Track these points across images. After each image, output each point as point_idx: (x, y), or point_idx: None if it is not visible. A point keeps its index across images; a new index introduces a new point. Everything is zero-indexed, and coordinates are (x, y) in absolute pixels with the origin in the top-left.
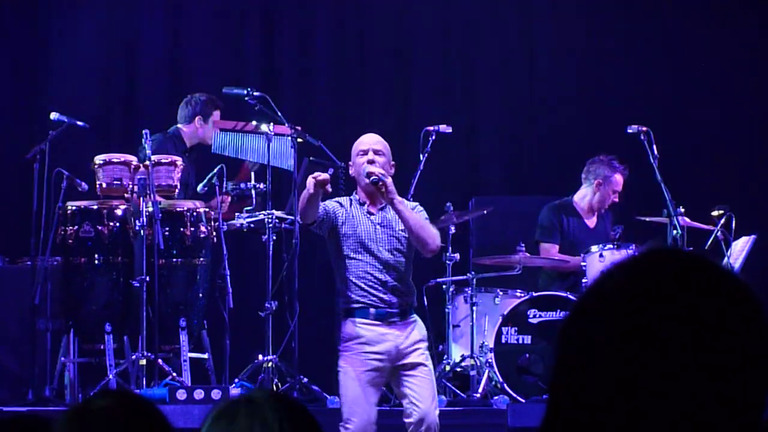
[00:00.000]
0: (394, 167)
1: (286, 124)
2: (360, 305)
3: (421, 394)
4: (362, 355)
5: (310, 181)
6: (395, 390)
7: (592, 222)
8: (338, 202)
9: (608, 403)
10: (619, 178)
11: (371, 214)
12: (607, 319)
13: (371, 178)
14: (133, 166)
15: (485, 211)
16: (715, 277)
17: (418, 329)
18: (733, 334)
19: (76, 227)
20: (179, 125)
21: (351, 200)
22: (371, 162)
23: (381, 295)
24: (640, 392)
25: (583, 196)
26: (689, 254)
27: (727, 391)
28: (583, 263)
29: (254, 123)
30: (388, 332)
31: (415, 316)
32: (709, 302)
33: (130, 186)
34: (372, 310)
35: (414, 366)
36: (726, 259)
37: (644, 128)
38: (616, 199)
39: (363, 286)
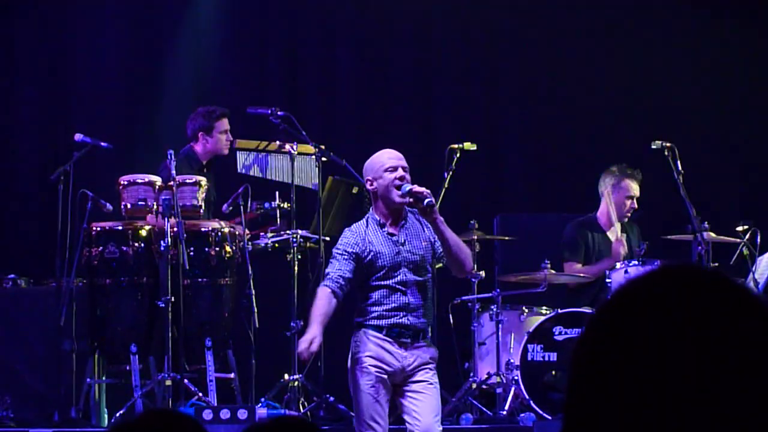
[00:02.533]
0: None
1: (310, 143)
2: (374, 324)
3: (423, 409)
4: (370, 368)
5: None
6: (398, 407)
7: (613, 235)
8: (351, 239)
9: (627, 419)
10: (629, 183)
11: (392, 235)
12: (622, 334)
13: (426, 201)
14: (157, 187)
15: (507, 238)
16: (731, 292)
17: (428, 351)
18: (746, 347)
19: (101, 248)
20: (192, 144)
21: (368, 221)
22: (402, 179)
23: (400, 317)
24: (659, 407)
25: (604, 210)
26: (705, 269)
27: (743, 405)
28: (608, 279)
29: (278, 142)
30: (396, 352)
31: (428, 338)
32: (724, 317)
33: (155, 206)
34: (385, 330)
35: (418, 382)
36: (751, 274)
37: (668, 144)
38: (635, 206)
39: (383, 308)
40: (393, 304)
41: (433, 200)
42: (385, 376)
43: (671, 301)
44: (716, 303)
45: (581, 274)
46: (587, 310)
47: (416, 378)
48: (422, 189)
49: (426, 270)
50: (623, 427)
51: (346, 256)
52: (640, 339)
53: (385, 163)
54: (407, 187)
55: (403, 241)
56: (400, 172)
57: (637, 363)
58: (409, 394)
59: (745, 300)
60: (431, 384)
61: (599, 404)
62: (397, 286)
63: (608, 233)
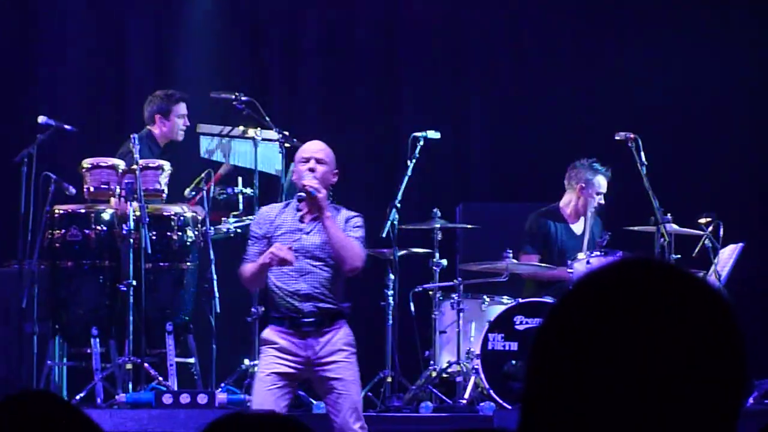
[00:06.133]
0: (337, 175)
1: (274, 129)
2: (277, 315)
3: (337, 407)
4: (272, 358)
5: (271, 255)
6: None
7: (579, 228)
8: (267, 215)
9: (581, 410)
10: (601, 180)
11: (302, 221)
12: (579, 326)
13: (309, 190)
14: (120, 170)
15: (469, 226)
16: (689, 287)
17: (338, 338)
18: (704, 341)
19: (63, 231)
20: (148, 127)
21: (288, 204)
22: (312, 170)
23: (296, 304)
24: (613, 399)
25: (568, 202)
26: (663, 263)
27: (701, 397)
28: (570, 270)
29: (242, 127)
30: (301, 342)
31: (340, 325)
32: (681, 311)
33: (118, 190)
34: (287, 321)
35: (331, 378)
36: (713, 266)
37: (632, 135)
38: (602, 201)
39: (279, 294)
40: (289, 292)
41: (314, 193)
42: (290, 369)
43: (629, 294)
44: (673, 296)
45: (540, 265)
46: (548, 299)
47: (329, 371)
48: (310, 182)
49: (327, 261)
50: (579, 417)
51: (257, 237)
52: (597, 331)
53: (300, 153)
54: (304, 178)
55: (309, 229)
56: (311, 164)
57: (593, 355)
58: (324, 389)
59: (703, 293)
60: (342, 379)
61: (556, 394)
62: (292, 272)
63: (572, 226)
